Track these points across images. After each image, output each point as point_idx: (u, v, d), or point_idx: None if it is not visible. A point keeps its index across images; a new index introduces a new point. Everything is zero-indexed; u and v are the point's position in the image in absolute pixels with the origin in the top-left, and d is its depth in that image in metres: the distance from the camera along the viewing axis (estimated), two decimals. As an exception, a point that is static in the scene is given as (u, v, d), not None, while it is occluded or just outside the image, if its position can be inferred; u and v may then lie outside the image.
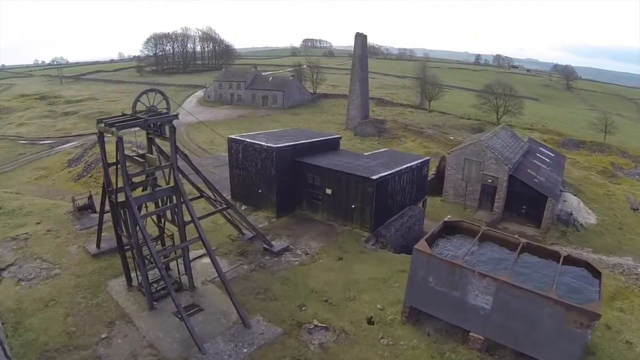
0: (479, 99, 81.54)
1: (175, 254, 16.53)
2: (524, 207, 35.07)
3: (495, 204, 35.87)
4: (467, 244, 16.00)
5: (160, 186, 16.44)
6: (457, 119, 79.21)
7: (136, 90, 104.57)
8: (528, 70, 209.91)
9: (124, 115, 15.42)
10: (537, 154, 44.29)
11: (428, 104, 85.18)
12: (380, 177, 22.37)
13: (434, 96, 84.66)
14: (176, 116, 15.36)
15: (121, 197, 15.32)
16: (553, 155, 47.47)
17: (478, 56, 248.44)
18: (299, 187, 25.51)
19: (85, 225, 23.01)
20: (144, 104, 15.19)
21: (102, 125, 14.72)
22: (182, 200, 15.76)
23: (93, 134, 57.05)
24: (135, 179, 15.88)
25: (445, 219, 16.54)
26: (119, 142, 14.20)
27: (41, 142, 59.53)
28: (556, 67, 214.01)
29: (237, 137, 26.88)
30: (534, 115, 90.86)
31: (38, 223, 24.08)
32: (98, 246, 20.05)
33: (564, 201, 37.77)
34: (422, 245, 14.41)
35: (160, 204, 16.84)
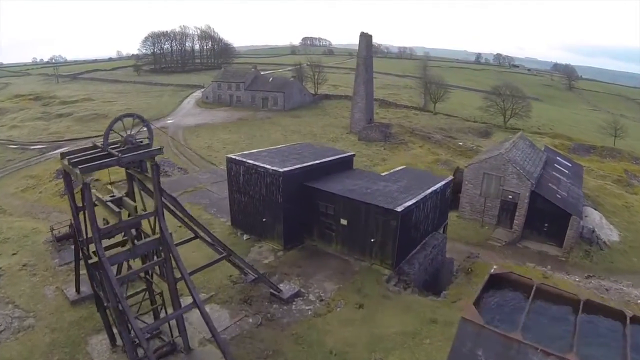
0: (485, 101, 78.94)
1: (166, 312, 13.76)
2: (546, 224, 32.71)
3: (515, 221, 33.40)
4: (517, 301, 13.45)
5: (146, 234, 13.49)
6: (464, 122, 76.74)
7: (133, 90, 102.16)
8: (529, 70, 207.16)
9: (94, 147, 12.52)
10: (555, 165, 41.80)
11: (433, 106, 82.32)
12: (405, 209, 19.31)
13: (439, 97, 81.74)
14: (160, 150, 12.43)
15: (92, 248, 12.42)
16: (570, 165, 44.98)
17: (478, 55, 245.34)
18: (309, 215, 22.40)
19: (65, 260, 20.25)
20: (118, 133, 12.34)
21: (66, 162, 11.81)
22: (170, 254, 12.88)
23: (86, 138, 54.74)
24: (112, 221, 12.81)
25: (491, 270, 13.80)
26: (85, 189, 11.27)
27: (32, 147, 56.50)
28: (557, 67, 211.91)
29: (237, 158, 23.55)
30: (540, 118, 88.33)
31: (14, 254, 21.55)
32: (77, 290, 17.33)
33: (585, 216, 35.35)
34: (471, 313, 11.71)
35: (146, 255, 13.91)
